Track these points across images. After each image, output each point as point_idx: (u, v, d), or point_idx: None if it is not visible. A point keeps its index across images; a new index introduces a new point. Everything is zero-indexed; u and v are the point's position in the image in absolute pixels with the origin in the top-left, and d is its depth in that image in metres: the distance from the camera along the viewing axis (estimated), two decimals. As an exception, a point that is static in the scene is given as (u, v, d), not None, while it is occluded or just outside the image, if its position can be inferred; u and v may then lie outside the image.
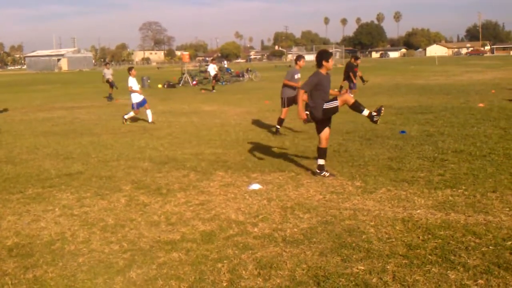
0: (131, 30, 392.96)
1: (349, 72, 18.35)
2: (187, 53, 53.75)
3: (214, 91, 29.15)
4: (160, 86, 36.09)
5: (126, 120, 15.52)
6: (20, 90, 38.42)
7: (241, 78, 40.22)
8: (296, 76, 12.17)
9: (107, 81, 26.59)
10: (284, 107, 12.29)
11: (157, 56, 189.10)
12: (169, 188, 7.59)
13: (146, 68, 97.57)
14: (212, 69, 31.13)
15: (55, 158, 10.32)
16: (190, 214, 6.34)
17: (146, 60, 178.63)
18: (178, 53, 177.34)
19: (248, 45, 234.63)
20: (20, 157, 10.52)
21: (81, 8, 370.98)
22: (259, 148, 10.48)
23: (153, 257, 4.99)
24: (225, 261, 4.80)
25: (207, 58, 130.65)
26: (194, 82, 37.65)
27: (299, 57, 12.41)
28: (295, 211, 6.25)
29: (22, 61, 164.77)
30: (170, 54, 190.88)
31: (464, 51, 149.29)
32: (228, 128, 13.68)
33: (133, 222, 6.10)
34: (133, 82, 15.23)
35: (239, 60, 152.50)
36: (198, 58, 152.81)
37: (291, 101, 12.12)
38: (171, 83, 36.45)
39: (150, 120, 15.22)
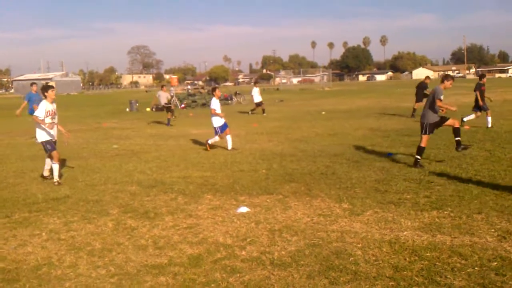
0: (120, 53, 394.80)
1: (477, 92, 17.76)
2: (175, 76, 54.09)
3: (264, 114, 27.26)
4: (148, 109, 36.12)
5: (209, 145, 13.93)
6: (7, 114, 38.18)
7: (229, 101, 40.36)
8: (441, 97, 10.39)
9: (165, 105, 24.10)
10: (426, 134, 10.41)
11: (146, 79, 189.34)
12: (157, 212, 7.57)
13: (135, 92, 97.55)
14: (256, 93, 27.87)
15: (42, 182, 10.26)
16: (178, 237, 6.33)
17: (135, 83, 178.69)
18: (166, 76, 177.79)
19: (237, 69, 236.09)
20: (6, 181, 10.45)
21: (69, 32, 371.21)
22: (247, 171, 10.51)
23: (140, 282, 4.97)
24: (212, 285, 4.80)
25: (195, 82, 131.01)
26: (183, 106, 37.72)
27: (447, 77, 10.67)
28: (283, 234, 6.27)
29: (10, 85, 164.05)
30: (158, 77, 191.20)
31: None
32: (216, 151, 13.70)
33: (120, 246, 6.07)
34: (216, 104, 13.90)
35: (227, 84, 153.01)
36: (186, 81, 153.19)
37: (435, 126, 10.54)
38: (160, 107, 36.47)
39: (229, 147, 13.71)
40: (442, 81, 10.63)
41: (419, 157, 10.30)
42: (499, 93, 39.71)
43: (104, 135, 19.68)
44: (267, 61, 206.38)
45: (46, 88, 10.38)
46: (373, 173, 9.65)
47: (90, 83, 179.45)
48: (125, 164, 12.07)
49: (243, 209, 7.46)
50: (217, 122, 13.93)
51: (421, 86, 21.97)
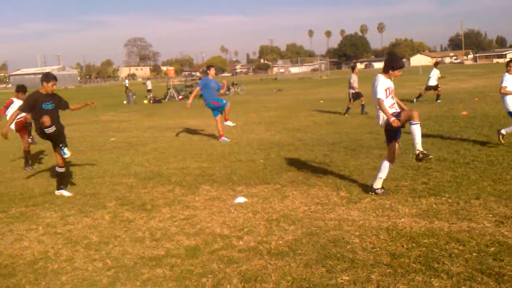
0: (116, 46, 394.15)
1: None
2: (172, 68, 53.97)
3: (439, 101, 21.86)
4: (146, 101, 36.10)
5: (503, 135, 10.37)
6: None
7: (227, 92, 40.26)
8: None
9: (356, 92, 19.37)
10: None
11: (143, 71, 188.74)
12: (154, 204, 7.55)
13: (131, 84, 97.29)
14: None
15: (39, 176, 10.23)
16: (175, 229, 6.31)
17: (132, 76, 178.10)
18: (163, 68, 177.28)
19: (234, 59, 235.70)
20: (3, 176, 10.42)
21: (64, 26, 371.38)
22: (244, 161, 10.47)
23: (137, 274, 4.95)
24: (209, 276, 4.78)
25: (192, 73, 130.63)
26: (180, 97, 37.66)
27: None
28: (280, 223, 6.25)
29: (7, 80, 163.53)
30: (155, 69, 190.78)
31: (447, 60, 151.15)
32: (214, 142, 13.67)
33: (117, 239, 6.05)
34: (510, 81, 10.28)
35: (225, 74, 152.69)
36: (184, 73, 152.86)
37: None
38: (157, 98, 36.48)
39: None
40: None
41: None
42: (496, 78, 39.62)
43: (102, 128, 19.63)
44: (264, 51, 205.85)
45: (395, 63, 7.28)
46: (371, 161, 9.62)
47: (88, 77, 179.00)
48: (122, 157, 12.03)
49: (241, 199, 7.43)
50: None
51: None
